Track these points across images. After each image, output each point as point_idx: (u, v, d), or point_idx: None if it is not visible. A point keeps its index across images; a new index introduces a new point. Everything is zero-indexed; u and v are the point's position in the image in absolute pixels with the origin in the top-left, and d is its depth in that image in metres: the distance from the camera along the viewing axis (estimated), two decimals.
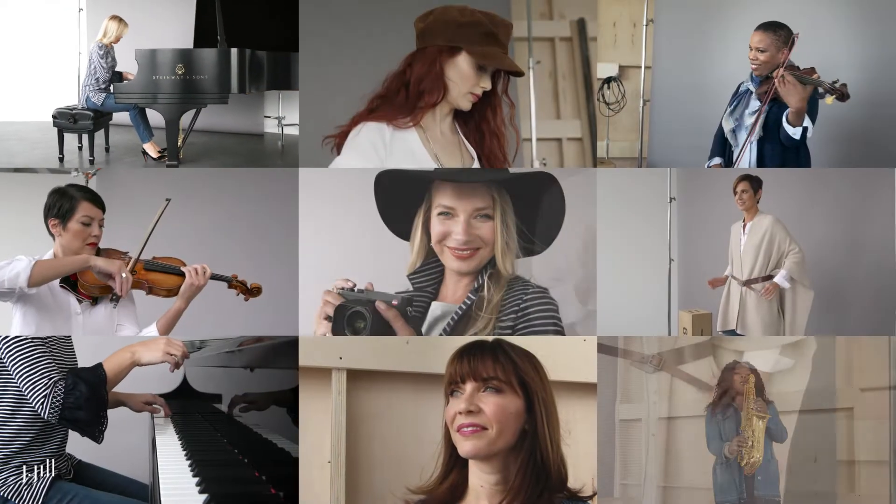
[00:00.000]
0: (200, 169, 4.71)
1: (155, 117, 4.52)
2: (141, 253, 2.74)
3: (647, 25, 4.14)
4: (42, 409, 2.35)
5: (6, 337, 2.42)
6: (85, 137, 4.62)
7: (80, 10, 5.54)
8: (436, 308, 2.04)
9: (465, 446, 1.55)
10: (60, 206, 2.64)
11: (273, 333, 2.72)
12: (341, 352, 2.20)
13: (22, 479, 2.45)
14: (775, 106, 3.25)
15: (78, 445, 2.63)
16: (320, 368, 2.20)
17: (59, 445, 2.57)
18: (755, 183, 3.52)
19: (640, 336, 4.19)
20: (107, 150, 4.87)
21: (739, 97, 3.44)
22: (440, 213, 1.98)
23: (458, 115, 2.32)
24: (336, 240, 3.10)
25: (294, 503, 2.07)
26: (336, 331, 1.92)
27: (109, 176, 4.39)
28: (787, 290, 3.48)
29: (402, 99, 2.21)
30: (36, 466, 2.49)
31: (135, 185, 4.27)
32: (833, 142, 3.88)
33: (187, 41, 5.72)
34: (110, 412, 2.77)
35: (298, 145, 4.40)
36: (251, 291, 2.86)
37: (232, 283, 2.84)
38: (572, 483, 1.61)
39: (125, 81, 4.56)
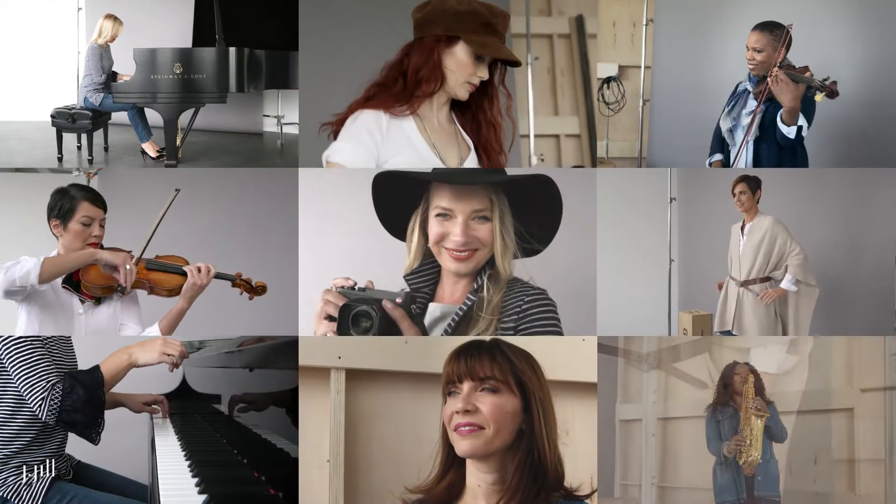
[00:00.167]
0: (201, 169, 4.71)
1: (154, 117, 4.52)
2: (149, 243, 2.73)
3: (646, 25, 4.14)
4: (40, 411, 2.35)
5: (5, 337, 2.42)
6: (84, 137, 4.61)
7: (79, 9, 5.54)
8: (434, 309, 2.04)
9: (461, 446, 1.55)
10: (61, 206, 2.65)
11: (273, 333, 2.72)
12: (340, 351, 2.20)
13: (21, 479, 2.45)
14: (771, 106, 3.25)
15: (77, 446, 2.63)
16: (319, 368, 2.20)
17: (58, 446, 2.57)
18: (753, 184, 3.51)
19: (641, 336, 4.20)
20: (106, 149, 4.86)
21: (737, 97, 3.44)
22: (438, 215, 1.99)
23: (455, 105, 2.32)
24: (336, 239, 3.09)
25: (294, 503, 2.06)
26: (341, 331, 1.90)
27: (111, 175, 4.39)
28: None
29: (400, 87, 2.21)
30: (35, 466, 2.48)
31: (136, 184, 4.27)
32: (833, 142, 3.88)
33: (186, 40, 5.72)
34: (109, 413, 2.77)
35: (298, 144, 4.40)
36: (256, 290, 2.84)
37: (236, 281, 2.81)
38: (570, 482, 1.60)
39: (121, 82, 4.54)
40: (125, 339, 2.69)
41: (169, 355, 2.53)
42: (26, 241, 3.93)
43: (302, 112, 4.04)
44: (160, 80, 4.34)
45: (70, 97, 4.92)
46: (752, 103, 3.32)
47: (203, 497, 1.99)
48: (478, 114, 2.32)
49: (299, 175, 3.13)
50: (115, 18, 4.65)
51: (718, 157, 3.52)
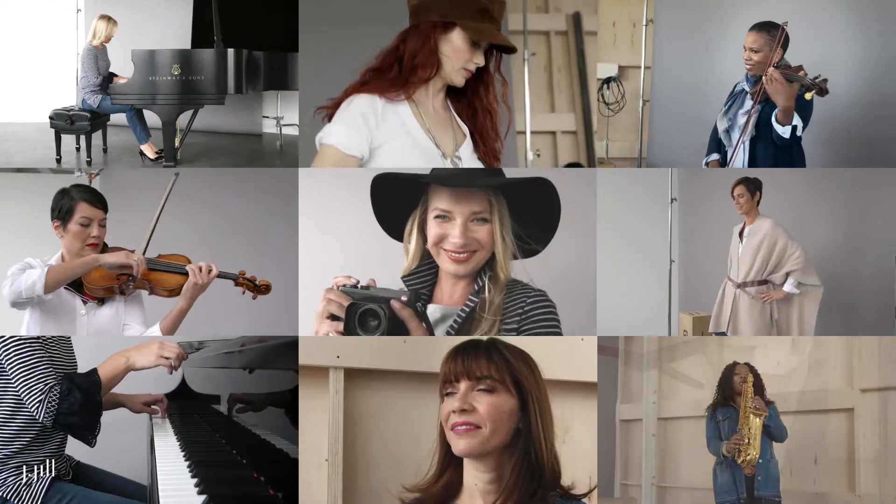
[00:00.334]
0: (201, 169, 4.70)
1: (152, 118, 4.51)
2: (153, 231, 2.71)
3: (646, 25, 4.14)
4: (37, 413, 2.36)
5: (4, 338, 2.42)
6: (82, 138, 4.61)
7: (79, 10, 5.54)
8: (434, 310, 2.04)
9: (458, 445, 1.55)
10: (61, 207, 2.64)
11: (273, 333, 2.71)
12: (339, 350, 2.20)
13: (21, 479, 2.45)
14: (767, 105, 3.25)
15: (77, 446, 2.62)
16: (318, 367, 2.20)
17: (58, 446, 2.57)
18: (751, 186, 3.49)
19: (641, 336, 4.19)
20: (104, 150, 4.86)
21: (734, 97, 3.44)
22: (437, 216, 1.98)
23: (451, 92, 2.32)
24: (336, 239, 3.09)
25: (293, 503, 2.06)
26: (348, 330, 1.88)
27: (112, 175, 4.38)
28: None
29: (395, 73, 2.21)
30: (35, 467, 2.48)
31: (137, 184, 4.26)
32: (833, 142, 3.89)
33: (185, 42, 5.72)
34: (109, 413, 2.77)
35: (298, 145, 4.40)
36: (259, 289, 2.80)
37: (238, 280, 2.78)
38: (567, 481, 1.60)
39: (118, 83, 4.53)
40: (128, 340, 2.69)
41: (166, 358, 2.53)
42: (26, 242, 3.94)
43: (302, 113, 4.03)
44: (158, 81, 4.34)
45: (69, 99, 4.92)
46: (748, 103, 3.32)
47: (202, 497, 1.98)
48: (474, 100, 2.32)
49: (299, 175, 3.13)
50: (108, 19, 4.63)
51: (715, 156, 3.52)
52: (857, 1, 3.93)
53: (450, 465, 1.61)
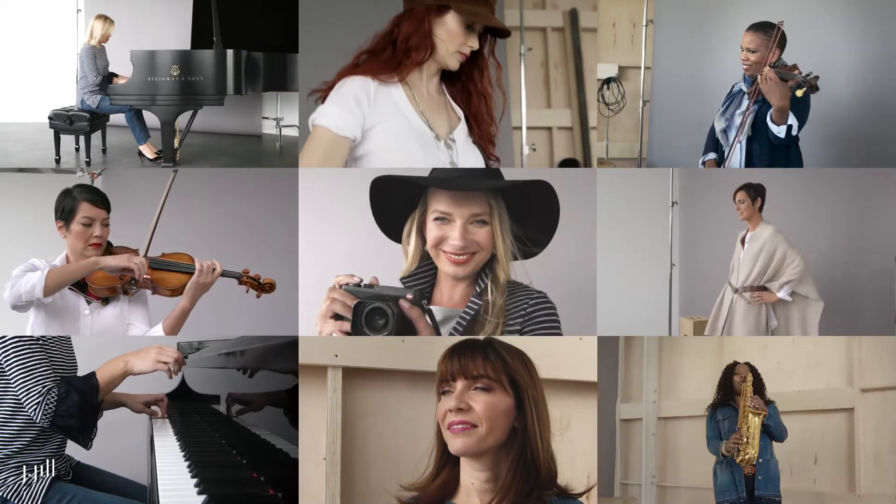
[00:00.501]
0: (202, 169, 4.70)
1: (152, 118, 4.51)
2: (154, 231, 2.71)
3: (646, 26, 4.14)
4: (34, 414, 2.37)
5: (3, 338, 2.42)
6: (81, 139, 4.61)
7: (79, 10, 5.54)
8: (435, 312, 2.04)
9: (455, 443, 1.55)
10: (64, 207, 2.65)
11: (273, 333, 2.71)
12: (337, 349, 2.20)
13: (21, 479, 2.45)
14: (764, 105, 3.24)
15: (77, 446, 2.62)
16: (316, 366, 2.19)
17: (58, 446, 2.57)
18: (752, 192, 3.46)
19: (642, 336, 4.20)
20: (104, 151, 4.86)
21: (732, 97, 3.44)
22: (436, 218, 1.98)
23: (445, 76, 2.32)
24: (336, 239, 3.09)
25: (293, 503, 2.05)
26: (355, 330, 1.85)
27: (114, 175, 4.38)
28: (793, 303, 3.41)
29: (388, 55, 2.20)
30: (35, 467, 2.48)
31: (139, 184, 4.26)
32: (833, 142, 3.89)
33: (185, 42, 5.72)
34: (109, 413, 2.78)
35: (298, 146, 4.39)
36: (263, 287, 2.79)
37: (242, 279, 2.76)
38: (568, 481, 1.60)
39: (117, 83, 4.53)
40: (132, 340, 2.69)
41: (164, 363, 2.54)
42: (27, 241, 3.94)
43: (302, 114, 4.03)
44: (157, 82, 4.33)
45: (68, 99, 4.92)
46: (745, 103, 3.32)
47: (202, 497, 1.98)
48: (468, 84, 2.32)
49: (299, 175, 3.13)
50: (105, 18, 4.63)
51: (712, 155, 3.51)
52: (857, 1, 3.93)
53: (447, 463, 1.61)
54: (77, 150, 4.69)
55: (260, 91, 4.75)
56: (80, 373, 2.65)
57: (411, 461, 1.67)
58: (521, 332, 1.96)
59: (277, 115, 5.36)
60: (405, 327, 1.86)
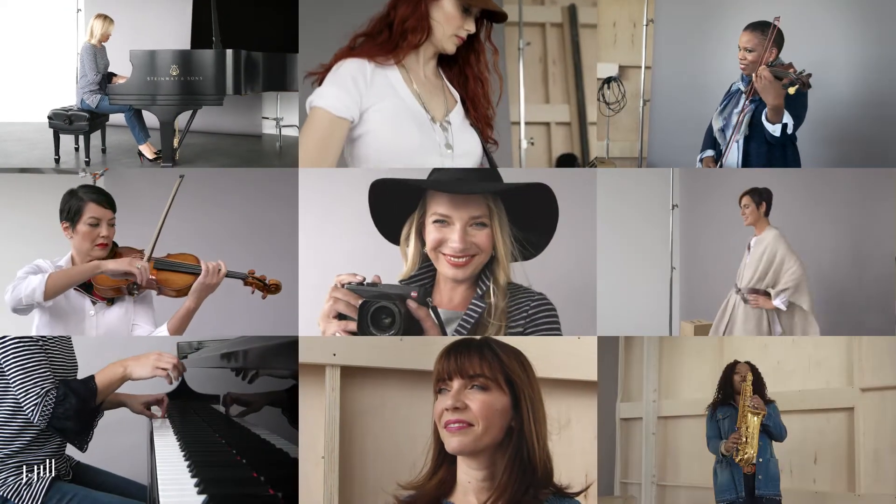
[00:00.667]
0: (202, 169, 4.70)
1: (152, 118, 4.51)
2: (158, 236, 2.71)
3: (647, 25, 4.14)
4: (32, 415, 2.38)
5: (3, 339, 2.42)
6: (81, 138, 4.60)
7: (79, 10, 5.54)
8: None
9: (451, 442, 1.55)
10: (70, 208, 2.65)
11: (274, 333, 2.71)
12: (335, 349, 2.19)
13: (21, 479, 2.45)
14: (761, 104, 3.24)
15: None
16: (315, 365, 2.19)
17: (58, 446, 2.57)
18: (757, 197, 3.42)
19: (642, 336, 4.20)
20: (103, 151, 4.86)
21: (730, 96, 3.44)
22: (436, 221, 1.98)
23: (442, 60, 2.33)
24: (336, 239, 3.09)
25: (293, 503, 2.05)
26: (362, 330, 1.84)
27: (117, 175, 4.38)
28: (790, 312, 3.36)
29: (385, 38, 2.21)
30: (35, 467, 2.49)
31: (142, 184, 4.26)
32: (834, 142, 3.89)
33: (185, 42, 5.71)
34: (109, 413, 2.78)
35: (298, 146, 4.39)
36: (269, 288, 2.79)
37: (248, 279, 2.76)
38: (564, 480, 1.61)
39: (116, 83, 4.53)
40: (136, 340, 2.69)
41: (163, 369, 2.56)
42: (27, 241, 3.95)
43: (302, 114, 4.02)
44: (157, 81, 4.33)
45: (68, 99, 4.92)
46: (743, 103, 3.33)
47: (202, 497, 1.98)
48: (465, 68, 2.32)
49: (299, 175, 3.13)
50: (105, 17, 4.63)
51: (709, 152, 3.51)
52: (857, 1, 3.93)
53: (444, 462, 1.61)
54: (77, 149, 4.69)
55: (259, 91, 4.75)
56: (81, 373, 2.66)
57: (409, 460, 1.67)
58: (523, 335, 1.96)
59: (277, 115, 5.36)
60: (412, 327, 1.86)
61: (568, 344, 2.23)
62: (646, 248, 3.99)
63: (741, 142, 3.33)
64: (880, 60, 3.89)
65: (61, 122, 4.50)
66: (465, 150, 2.29)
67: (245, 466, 2.39)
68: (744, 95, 3.31)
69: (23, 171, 4.52)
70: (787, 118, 3.18)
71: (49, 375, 2.41)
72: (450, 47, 2.24)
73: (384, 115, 2.19)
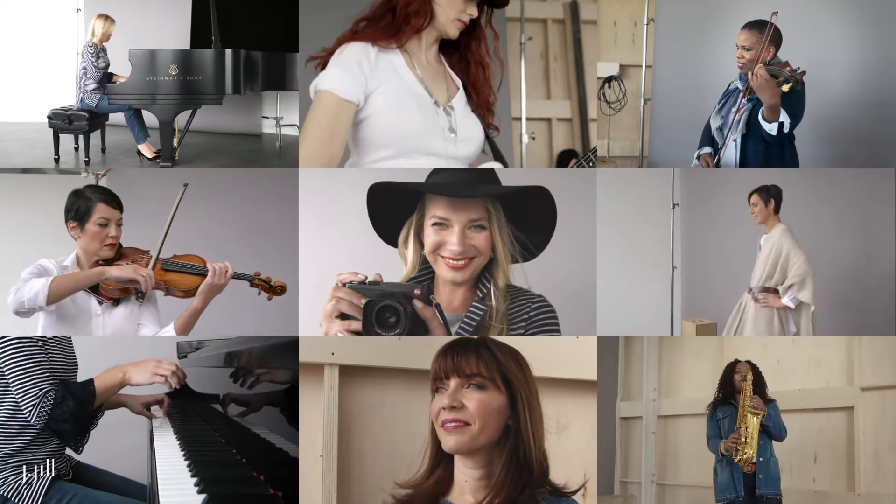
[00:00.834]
0: (202, 169, 4.70)
1: (151, 117, 4.51)
2: (163, 244, 2.72)
3: (647, 24, 4.14)
4: (30, 416, 2.40)
5: (2, 339, 2.42)
6: (81, 138, 4.60)
7: (78, 10, 5.54)
8: None
9: (448, 441, 1.55)
10: (77, 208, 2.65)
11: (274, 333, 2.71)
12: (334, 348, 2.19)
13: (22, 478, 2.45)
14: (758, 103, 3.24)
15: None
16: (313, 364, 2.19)
17: (58, 446, 2.57)
18: (765, 194, 3.42)
19: (642, 336, 4.19)
20: (103, 150, 4.86)
21: (728, 95, 3.44)
22: (434, 224, 1.98)
23: (443, 46, 2.33)
24: (336, 239, 3.09)
25: (293, 503, 2.05)
26: (367, 330, 1.82)
27: (119, 175, 4.38)
28: (802, 313, 3.35)
29: (388, 22, 2.21)
30: (35, 466, 2.49)
31: (144, 184, 4.26)
32: (834, 142, 3.89)
33: (184, 42, 5.71)
34: (109, 413, 2.78)
35: (298, 146, 4.39)
36: (275, 290, 2.81)
37: (254, 281, 2.78)
38: (563, 479, 1.61)
39: (116, 83, 4.53)
40: (139, 340, 2.69)
41: (161, 375, 2.57)
42: (28, 241, 3.94)
43: (302, 113, 4.02)
44: (156, 81, 4.33)
45: (68, 98, 4.92)
46: (741, 101, 3.33)
47: (202, 497, 1.97)
48: (466, 54, 2.33)
49: (299, 175, 3.12)
50: (106, 17, 4.64)
51: (707, 149, 3.51)
52: (857, 2, 3.93)
53: (441, 461, 1.62)
54: (76, 149, 4.69)
55: (259, 90, 4.75)
56: (81, 373, 2.66)
57: (407, 459, 1.67)
58: (524, 337, 1.96)
59: (277, 115, 5.36)
60: (417, 327, 1.84)
61: (568, 343, 2.23)
62: (646, 247, 3.98)
63: (739, 141, 3.33)
64: (880, 60, 3.89)
65: (61, 121, 4.50)
66: (467, 136, 2.30)
67: (245, 466, 2.39)
68: (741, 94, 3.31)
69: (25, 171, 4.52)
70: (784, 117, 3.17)
71: (48, 376, 2.42)
72: (453, 31, 2.24)
73: (388, 98, 2.19)
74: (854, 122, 3.93)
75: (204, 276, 2.65)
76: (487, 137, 2.37)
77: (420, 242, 2.03)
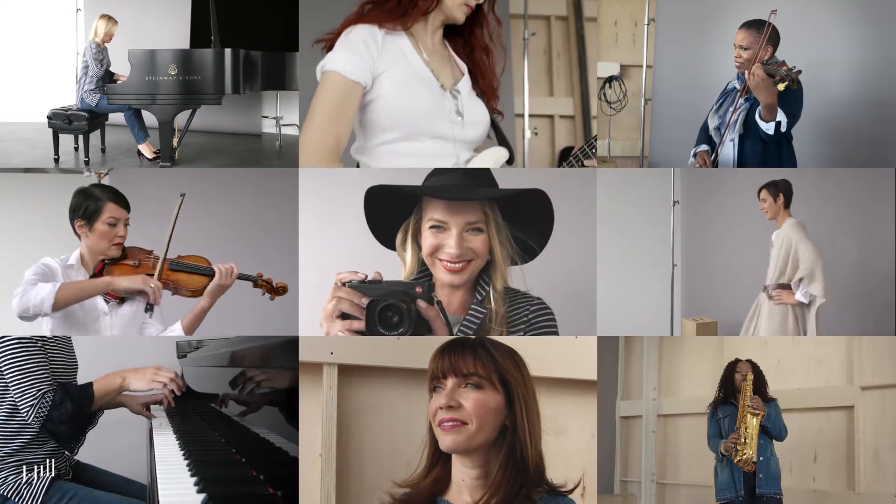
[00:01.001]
0: (202, 169, 4.70)
1: (151, 118, 4.51)
2: (166, 254, 2.74)
3: (648, 24, 4.14)
4: (27, 416, 2.40)
5: (3, 338, 2.42)
6: (80, 138, 4.60)
7: (78, 10, 5.54)
8: None
9: (445, 441, 1.55)
10: (87, 207, 2.65)
11: (274, 333, 2.71)
12: (333, 347, 2.19)
13: (22, 478, 2.45)
14: (756, 103, 3.24)
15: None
16: (312, 364, 2.19)
17: (58, 445, 2.57)
18: (774, 190, 3.39)
19: (642, 336, 4.19)
20: (102, 150, 4.86)
21: (726, 95, 3.44)
22: (432, 227, 1.97)
23: (447, 33, 2.33)
24: (337, 239, 3.09)
25: (292, 502, 2.05)
26: (370, 330, 1.81)
27: (121, 175, 4.38)
28: (819, 310, 3.32)
29: (394, 4, 2.20)
30: (36, 466, 2.49)
31: (146, 184, 4.25)
32: (834, 142, 3.89)
33: (184, 42, 5.71)
34: (109, 412, 2.78)
35: (298, 145, 4.39)
36: (276, 290, 2.87)
37: (258, 282, 2.85)
38: (561, 479, 1.61)
39: (116, 82, 4.53)
40: (141, 340, 2.70)
41: (160, 383, 2.60)
42: (28, 240, 3.94)
43: (302, 113, 4.02)
44: (156, 81, 4.33)
45: (68, 98, 4.92)
46: (738, 101, 3.33)
47: (202, 496, 1.97)
48: (470, 39, 2.33)
49: (299, 175, 3.12)
50: (109, 18, 4.65)
51: (704, 147, 3.51)
52: (857, 2, 3.93)
53: (439, 460, 1.62)
54: (76, 149, 4.69)
55: (258, 90, 4.75)
56: (81, 372, 2.66)
57: (406, 458, 1.67)
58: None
59: (277, 114, 5.36)
60: (421, 327, 1.83)
61: (567, 343, 2.22)
62: (646, 247, 3.98)
63: (736, 140, 3.33)
64: (880, 60, 3.89)
65: (60, 121, 4.50)
66: (474, 119, 2.30)
67: (244, 465, 2.39)
68: (738, 94, 3.31)
69: (27, 170, 4.52)
70: (781, 116, 3.17)
71: (47, 377, 2.42)
72: (459, 16, 2.24)
73: (395, 80, 2.17)
74: (854, 122, 3.93)
75: (210, 276, 2.71)
76: (492, 122, 2.37)
77: (418, 245, 2.03)
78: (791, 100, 3.16)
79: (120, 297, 2.70)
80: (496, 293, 1.98)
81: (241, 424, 2.55)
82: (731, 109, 3.34)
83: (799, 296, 3.31)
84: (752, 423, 2.97)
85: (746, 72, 3.19)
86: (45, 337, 2.51)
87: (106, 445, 2.62)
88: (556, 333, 2.02)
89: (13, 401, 2.43)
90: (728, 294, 3.99)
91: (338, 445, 2.18)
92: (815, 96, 3.30)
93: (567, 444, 2.23)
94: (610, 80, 4.22)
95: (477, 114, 2.31)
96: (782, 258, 3.35)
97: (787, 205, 3.40)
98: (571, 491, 1.62)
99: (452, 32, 2.33)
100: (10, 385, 2.40)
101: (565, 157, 4.08)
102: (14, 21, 5.94)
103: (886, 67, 3.89)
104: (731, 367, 3.17)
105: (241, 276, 2.78)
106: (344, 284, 1.85)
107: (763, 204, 3.42)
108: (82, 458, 2.76)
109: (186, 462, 2.43)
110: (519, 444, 1.56)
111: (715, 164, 3.43)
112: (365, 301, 1.81)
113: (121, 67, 4.60)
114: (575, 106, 4.31)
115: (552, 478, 1.61)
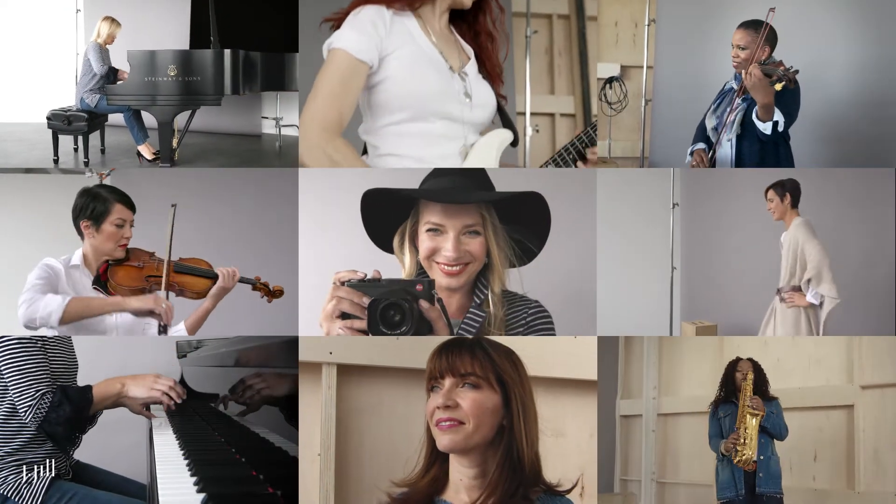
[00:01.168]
0: (202, 169, 4.70)
1: (151, 118, 4.51)
2: (168, 265, 2.77)
3: (648, 25, 4.14)
4: (25, 416, 2.41)
5: (3, 338, 2.42)
6: (80, 139, 4.60)
7: (78, 10, 5.54)
8: None
9: (442, 440, 1.56)
10: (94, 207, 2.65)
11: (274, 333, 2.71)
12: (332, 347, 2.19)
13: (22, 477, 2.45)
14: (753, 103, 3.24)
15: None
16: (312, 363, 2.19)
17: None
18: (780, 189, 3.37)
19: (642, 336, 4.19)
20: (102, 151, 4.86)
21: (723, 95, 3.44)
22: (429, 230, 1.97)
23: (451, 18, 2.34)
24: (336, 240, 3.09)
25: (292, 502, 2.05)
26: (372, 329, 1.80)
27: (120, 175, 4.38)
28: (831, 310, 3.30)
29: None
30: (36, 466, 2.49)
31: (147, 184, 4.25)
32: (834, 141, 3.89)
33: (184, 42, 5.71)
34: (109, 412, 2.78)
35: (298, 146, 4.39)
36: (273, 293, 2.95)
37: (256, 285, 2.92)
38: (561, 479, 1.61)
39: (119, 81, 4.53)
40: (138, 340, 2.70)
41: (159, 391, 2.60)
42: (29, 240, 3.94)
43: (302, 113, 4.01)
44: (155, 82, 4.33)
45: (68, 99, 4.92)
46: (736, 101, 3.33)
47: (202, 496, 1.97)
48: (475, 25, 2.35)
49: (299, 175, 3.12)
50: (112, 20, 4.66)
51: (700, 145, 3.51)
52: (857, 2, 3.93)
53: (436, 460, 1.62)
54: (76, 150, 4.69)
55: (258, 91, 4.75)
56: (82, 372, 2.66)
57: (405, 457, 1.67)
58: None
59: (277, 115, 5.37)
60: (422, 327, 1.83)
61: (567, 343, 2.23)
62: (646, 248, 3.98)
63: (734, 140, 3.33)
64: (880, 60, 3.89)
65: (60, 122, 4.50)
66: (482, 101, 2.30)
67: (244, 465, 2.39)
68: (736, 94, 3.31)
69: (28, 171, 4.53)
70: (778, 116, 3.17)
71: (46, 378, 2.42)
72: (467, 0, 2.25)
73: (403, 61, 2.17)
74: (854, 122, 3.93)
75: (213, 278, 2.78)
76: (499, 106, 2.37)
77: (415, 248, 2.03)
78: (788, 100, 3.17)
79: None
80: (494, 296, 1.99)
81: (240, 424, 2.55)
82: (729, 109, 3.34)
83: (809, 297, 3.29)
84: (752, 424, 2.97)
85: (743, 71, 3.19)
86: (45, 337, 2.51)
87: (106, 445, 2.62)
88: (553, 334, 2.04)
89: (12, 400, 2.44)
90: (728, 296, 3.99)
91: (337, 445, 2.18)
92: (814, 96, 3.30)
93: (567, 444, 2.23)
94: (610, 80, 4.22)
95: (485, 96, 2.31)
96: (791, 259, 3.34)
97: (794, 204, 3.39)
98: (569, 491, 1.62)
99: (457, 18, 2.33)
100: (8, 385, 2.40)
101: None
102: (14, 21, 5.94)
103: (886, 67, 3.89)
104: (732, 366, 3.16)
105: (241, 280, 2.86)
106: (343, 283, 1.83)
107: (770, 204, 3.40)
108: (82, 458, 2.76)
109: (186, 462, 2.43)
110: (516, 444, 1.56)
111: (712, 163, 3.43)
112: (366, 300, 1.81)
113: (120, 68, 4.61)
114: (576, 105, 4.31)
115: (550, 478, 1.61)
